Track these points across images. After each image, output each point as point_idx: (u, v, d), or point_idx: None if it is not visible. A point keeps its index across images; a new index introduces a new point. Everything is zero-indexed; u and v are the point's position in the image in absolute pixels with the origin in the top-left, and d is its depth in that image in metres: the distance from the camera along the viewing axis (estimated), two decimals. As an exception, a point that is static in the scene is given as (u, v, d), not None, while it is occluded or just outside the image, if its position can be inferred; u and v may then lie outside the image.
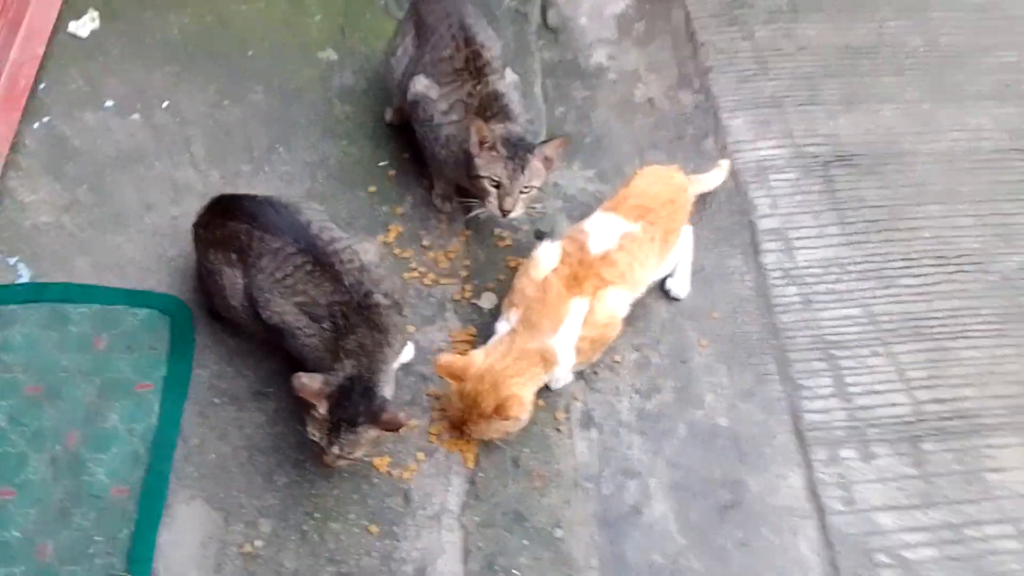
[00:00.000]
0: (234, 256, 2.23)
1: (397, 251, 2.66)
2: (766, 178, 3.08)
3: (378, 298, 2.20)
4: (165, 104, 2.83)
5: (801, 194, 3.02)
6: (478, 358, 2.26)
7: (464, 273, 2.67)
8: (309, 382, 2.05)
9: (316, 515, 2.22)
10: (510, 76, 2.69)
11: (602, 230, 2.42)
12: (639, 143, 3.13)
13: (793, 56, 3.37)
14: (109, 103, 2.80)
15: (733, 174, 3.08)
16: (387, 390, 2.17)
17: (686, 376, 2.64)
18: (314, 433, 2.09)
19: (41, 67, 2.78)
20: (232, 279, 2.24)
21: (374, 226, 2.70)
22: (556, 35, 3.43)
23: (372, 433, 2.10)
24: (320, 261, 2.17)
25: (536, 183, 2.51)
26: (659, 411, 2.56)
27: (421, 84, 2.61)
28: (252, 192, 2.33)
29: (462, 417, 2.28)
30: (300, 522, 2.20)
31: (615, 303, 2.37)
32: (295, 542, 2.18)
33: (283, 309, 2.18)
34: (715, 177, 2.95)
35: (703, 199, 2.92)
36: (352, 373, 2.09)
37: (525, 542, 2.26)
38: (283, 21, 3.11)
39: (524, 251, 2.62)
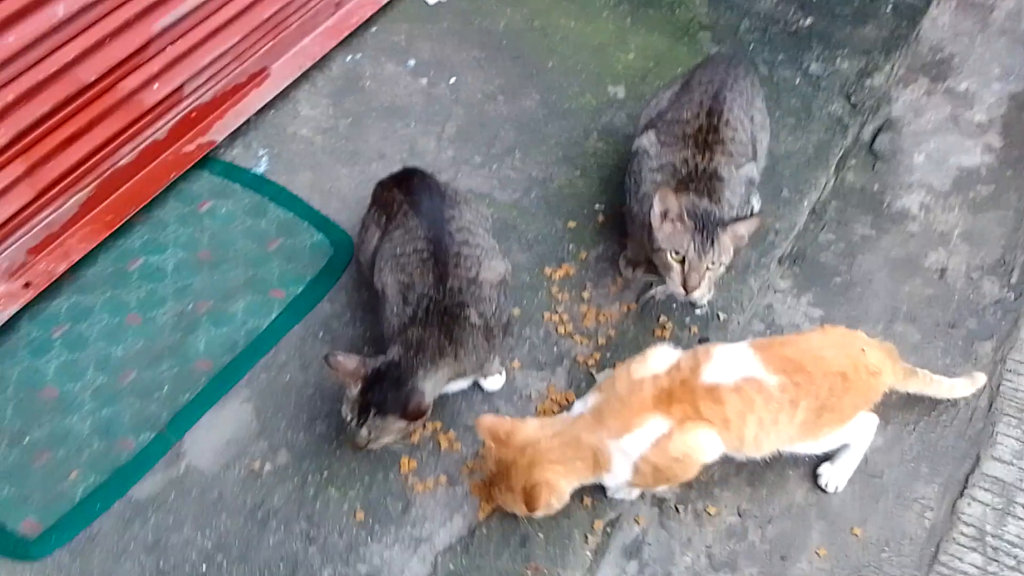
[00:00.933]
0: (383, 219, 2.33)
1: (555, 290, 2.55)
2: (1029, 421, 2.39)
3: (469, 312, 2.14)
4: (452, 80, 3.04)
5: (1060, 458, 2.29)
6: (529, 428, 2.06)
7: (602, 340, 2.46)
8: (344, 360, 2.06)
9: (323, 473, 2.23)
10: (748, 169, 2.40)
11: (728, 363, 2.07)
12: (896, 309, 2.61)
13: None
14: (411, 62, 3.09)
15: (990, 397, 2.43)
16: (427, 387, 2.11)
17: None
18: (346, 412, 2.10)
19: (380, 13, 3.16)
20: (371, 236, 2.34)
21: (551, 258, 2.61)
22: (875, 161, 2.98)
23: (400, 424, 2.06)
24: (437, 256, 2.17)
25: (725, 260, 2.25)
26: None
27: (646, 138, 2.45)
28: (459, 182, 2.41)
29: (491, 479, 2.12)
30: (307, 471, 2.24)
31: (699, 445, 2.01)
32: (293, 485, 2.22)
33: (387, 281, 2.22)
34: (956, 387, 2.37)
35: (930, 405, 2.39)
36: (393, 359, 2.07)
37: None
38: (597, 48, 3.13)
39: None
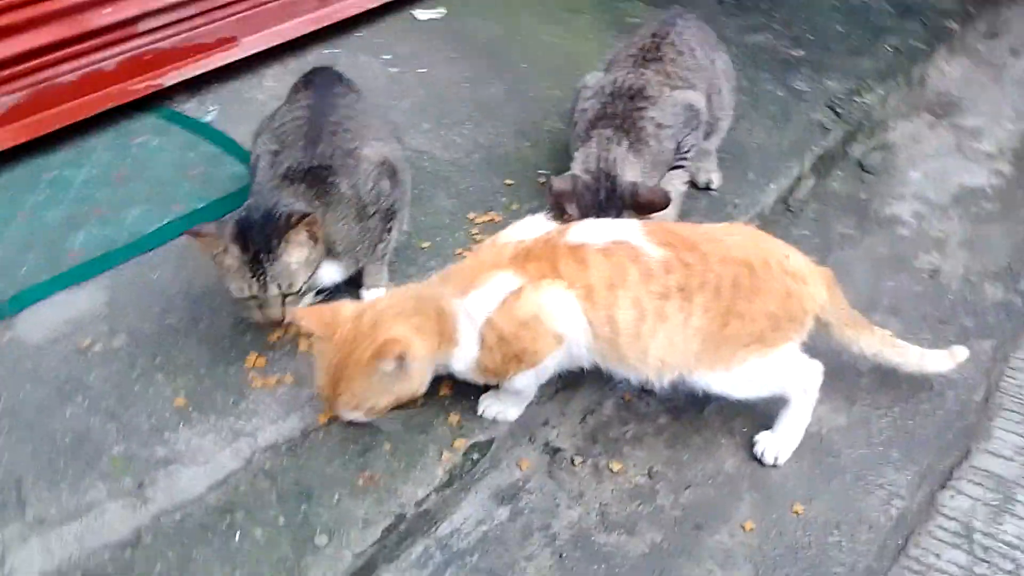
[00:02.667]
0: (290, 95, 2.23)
1: (474, 231, 2.27)
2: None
3: (338, 180, 1.92)
4: (422, 70, 2.98)
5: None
6: (355, 305, 1.70)
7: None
8: (202, 228, 1.81)
9: (156, 359, 1.91)
10: (688, 95, 2.15)
11: (601, 228, 1.72)
12: (875, 300, 2.23)
13: None
14: (386, 56, 3.05)
15: (987, 392, 1.98)
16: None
17: (685, 546, 1.68)
18: (238, 287, 1.81)
19: (367, 21, 3.20)
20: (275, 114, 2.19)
21: (478, 206, 2.36)
22: (864, 173, 2.69)
23: (299, 253, 1.81)
24: (313, 120, 2.01)
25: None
26: (606, 552, 1.66)
27: (592, 74, 2.27)
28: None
29: (334, 381, 1.64)
30: (139, 356, 1.92)
31: (551, 304, 1.62)
32: (118, 367, 1.90)
33: (260, 151, 2.04)
34: (928, 358, 1.92)
35: (908, 391, 1.98)
36: (251, 203, 1.83)
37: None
38: (574, 55, 3.04)
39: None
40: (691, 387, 1.75)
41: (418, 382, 1.66)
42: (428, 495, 1.69)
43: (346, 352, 1.62)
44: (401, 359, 1.58)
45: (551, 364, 1.71)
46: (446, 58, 3.05)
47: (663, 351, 1.67)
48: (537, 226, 1.75)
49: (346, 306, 1.68)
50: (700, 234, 1.73)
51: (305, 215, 1.78)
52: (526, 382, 1.74)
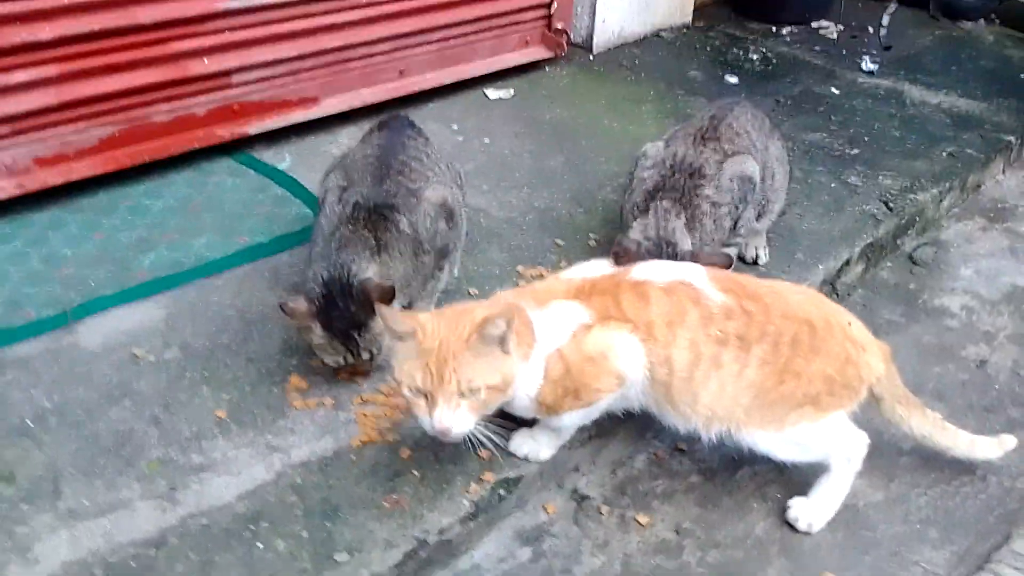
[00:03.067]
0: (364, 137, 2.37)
1: (522, 284, 2.32)
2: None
3: (399, 217, 2.00)
4: (487, 139, 3.11)
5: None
6: (427, 314, 1.71)
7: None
8: (295, 304, 1.90)
9: (205, 373, 1.98)
10: (743, 165, 2.21)
11: (665, 268, 1.76)
12: (921, 386, 2.20)
13: None
14: (455, 126, 3.20)
15: None
16: (371, 271, 1.92)
17: None
18: (332, 359, 1.92)
19: (440, 96, 3.36)
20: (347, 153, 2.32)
21: (528, 260, 2.43)
22: (913, 266, 2.69)
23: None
24: (382, 159, 2.12)
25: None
26: None
27: (652, 144, 2.36)
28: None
29: (439, 365, 1.57)
30: (189, 368, 1.99)
31: (618, 344, 1.65)
32: (167, 377, 1.97)
33: (329, 185, 2.14)
34: (978, 445, 1.90)
35: (950, 473, 1.95)
36: (326, 277, 1.90)
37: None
38: (635, 138, 3.09)
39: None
40: (737, 443, 1.74)
41: (515, 372, 1.61)
42: (452, 525, 1.69)
43: (445, 336, 1.58)
44: (509, 323, 1.56)
45: (604, 405, 1.73)
46: (511, 132, 3.19)
47: (714, 400, 1.68)
48: (601, 267, 1.81)
49: (424, 314, 1.70)
50: (764, 287, 1.76)
51: (384, 288, 1.86)
52: (574, 420, 1.75)
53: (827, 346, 1.69)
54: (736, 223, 2.23)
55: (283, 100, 3.01)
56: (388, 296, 1.85)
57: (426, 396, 1.58)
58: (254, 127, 2.93)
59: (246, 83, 2.91)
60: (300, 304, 1.89)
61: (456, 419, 1.57)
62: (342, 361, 1.92)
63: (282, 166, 2.89)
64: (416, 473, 1.76)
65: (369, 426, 1.87)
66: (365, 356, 1.92)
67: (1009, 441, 1.89)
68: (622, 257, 2.02)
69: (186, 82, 2.77)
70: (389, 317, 1.65)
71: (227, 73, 2.85)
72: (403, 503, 1.70)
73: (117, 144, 2.68)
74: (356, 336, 1.89)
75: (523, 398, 1.71)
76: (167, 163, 2.78)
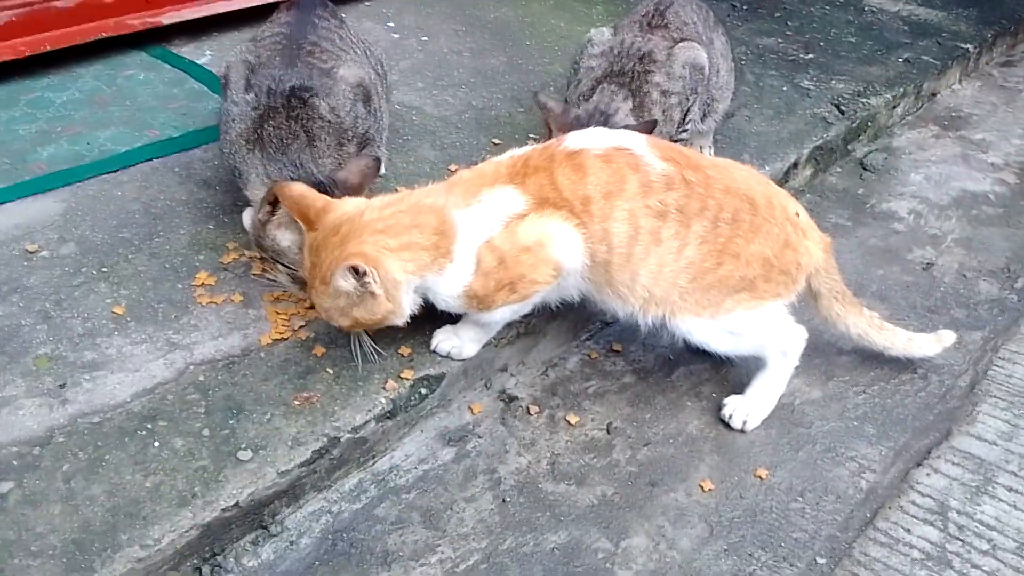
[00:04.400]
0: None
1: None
2: (1021, 410, 1.79)
3: (318, 101, 1.83)
4: (424, 38, 2.93)
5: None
6: (354, 203, 1.60)
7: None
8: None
9: (103, 269, 1.81)
10: (692, 54, 2.08)
11: (602, 135, 1.63)
12: (864, 286, 2.12)
13: None
14: (391, 24, 3.01)
15: (973, 379, 1.87)
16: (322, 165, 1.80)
17: (636, 501, 1.57)
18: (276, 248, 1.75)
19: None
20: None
21: (462, 160, 2.28)
22: (863, 171, 2.60)
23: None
24: (291, 37, 1.94)
25: None
26: (552, 500, 1.55)
27: (597, 32, 2.20)
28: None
29: (309, 288, 1.60)
30: (86, 264, 1.83)
31: (554, 232, 1.53)
32: (61, 272, 1.80)
33: (232, 61, 1.97)
34: (916, 342, 1.82)
35: (889, 371, 1.88)
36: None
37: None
38: (578, 35, 2.96)
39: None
40: (673, 332, 1.64)
41: (391, 307, 1.53)
42: (367, 422, 1.58)
43: (313, 262, 1.54)
44: (363, 276, 1.47)
45: (538, 299, 1.63)
46: (451, 30, 3.00)
47: (652, 280, 1.57)
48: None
49: (345, 204, 1.58)
50: (706, 159, 1.65)
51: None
52: (505, 316, 1.64)
53: (767, 227, 1.59)
54: (685, 116, 2.10)
55: (197, -10, 2.79)
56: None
57: None
58: (169, 17, 2.70)
59: (155, -31, 2.68)
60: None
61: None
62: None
63: (201, 60, 2.68)
64: (330, 371, 1.64)
65: (281, 323, 1.74)
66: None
67: (948, 337, 1.82)
68: (547, 115, 1.92)
69: (90, -35, 2.54)
70: (289, 194, 1.57)
71: (133, -44, 2.62)
72: (314, 400, 1.58)
73: (16, 32, 2.45)
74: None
75: (448, 295, 1.59)
76: (75, 56, 2.57)
